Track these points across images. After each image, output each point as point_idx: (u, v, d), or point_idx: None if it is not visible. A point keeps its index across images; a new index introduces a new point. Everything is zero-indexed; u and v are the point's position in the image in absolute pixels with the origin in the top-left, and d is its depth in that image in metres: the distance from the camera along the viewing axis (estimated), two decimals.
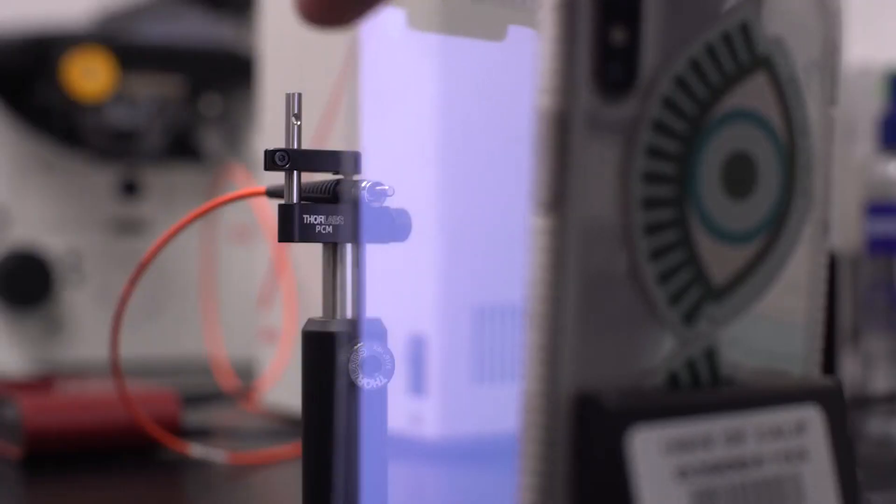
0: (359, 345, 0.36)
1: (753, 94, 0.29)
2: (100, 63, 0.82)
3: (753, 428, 0.28)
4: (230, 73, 0.89)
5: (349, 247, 0.37)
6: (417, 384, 0.54)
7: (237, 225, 0.85)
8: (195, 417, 0.59)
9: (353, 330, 0.36)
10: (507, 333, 0.55)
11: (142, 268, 0.41)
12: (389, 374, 0.36)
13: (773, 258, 0.30)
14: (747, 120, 0.29)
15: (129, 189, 0.89)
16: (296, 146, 0.36)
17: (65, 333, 0.87)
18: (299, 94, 0.36)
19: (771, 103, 0.29)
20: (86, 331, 0.88)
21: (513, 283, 0.55)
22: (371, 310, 0.38)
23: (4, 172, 0.86)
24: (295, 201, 0.36)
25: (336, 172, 0.37)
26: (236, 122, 0.91)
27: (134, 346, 0.83)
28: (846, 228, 0.72)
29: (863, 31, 0.68)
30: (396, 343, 0.54)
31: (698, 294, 0.28)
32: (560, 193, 0.25)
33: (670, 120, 0.27)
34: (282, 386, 0.63)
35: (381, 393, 0.37)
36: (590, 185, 0.26)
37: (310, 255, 0.61)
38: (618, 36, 0.26)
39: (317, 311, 0.37)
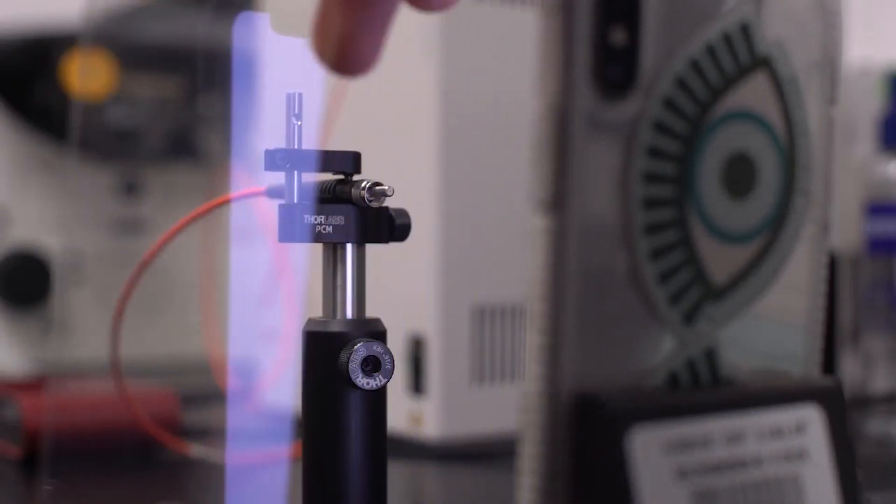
0: (358, 345, 0.36)
1: (753, 94, 0.29)
2: (100, 63, 0.82)
3: (753, 428, 0.28)
4: (230, 73, 0.89)
5: (349, 247, 0.37)
6: (417, 384, 0.54)
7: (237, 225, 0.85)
8: (195, 417, 0.59)
9: (353, 330, 0.36)
10: (506, 333, 0.55)
11: (142, 268, 0.41)
12: (389, 374, 0.36)
13: (773, 258, 0.30)
14: (747, 120, 0.29)
15: (129, 189, 0.89)
16: (296, 146, 0.36)
17: (65, 333, 0.87)
18: (299, 94, 0.36)
19: (771, 103, 0.29)
20: (86, 331, 0.88)
21: (513, 282, 0.56)
22: (371, 310, 0.38)
23: (4, 172, 0.86)
24: (295, 201, 0.36)
25: (336, 172, 0.37)
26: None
27: (134, 346, 0.83)
28: (846, 228, 0.72)
29: (863, 31, 0.68)
30: (396, 343, 0.54)
31: (698, 294, 0.28)
32: (560, 193, 0.25)
33: (670, 120, 0.27)
34: (282, 386, 0.63)
35: (381, 393, 0.37)
36: (590, 185, 0.26)
37: (310, 255, 0.61)
38: (618, 36, 0.26)
39: (317, 311, 0.37)
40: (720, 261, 0.29)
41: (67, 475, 0.49)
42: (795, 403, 0.29)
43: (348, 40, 0.31)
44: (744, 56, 0.29)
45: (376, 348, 0.36)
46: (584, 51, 0.26)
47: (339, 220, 0.37)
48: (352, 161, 0.37)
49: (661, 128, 0.27)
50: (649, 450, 0.26)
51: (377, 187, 0.36)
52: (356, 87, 0.58)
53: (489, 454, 0.52)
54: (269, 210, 0.65)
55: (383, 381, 0.36)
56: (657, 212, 0.27)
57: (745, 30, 0.29)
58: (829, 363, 0.32)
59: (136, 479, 0.50)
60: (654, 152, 0.27)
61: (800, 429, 0.29)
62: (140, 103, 0.85)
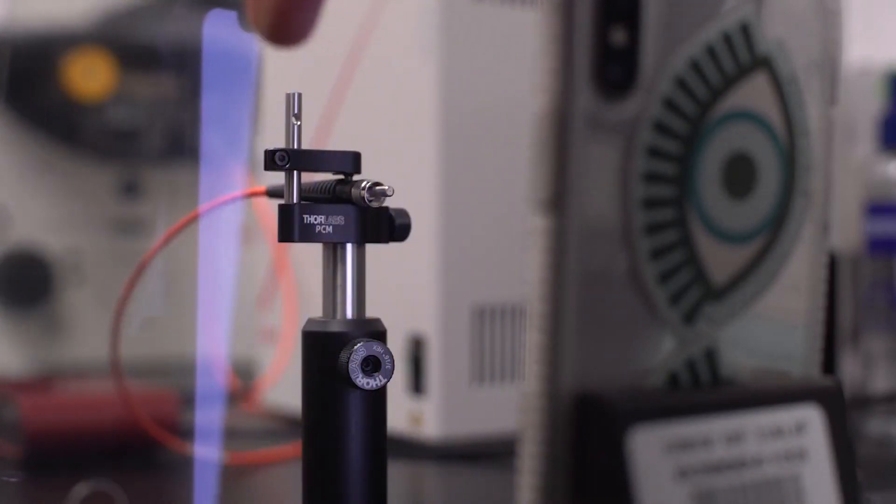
0: (358, 345, 0.36)
1: (753, 94, 0.29)
2: (100, 63, 0.82)
3: (753, 428, 0.28)
4: (230, 73, 0.89)
5: (349, 247, 0.37)
6: (417, 384, 0.54)
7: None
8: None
9: (353, 330, 0.36)
10: (506, 333, 0.55)
11: (142, 268, 0.41)
12: (389, 374, 0.36)
13: (773, 258, 0.30)
14: (747, 120, 0.29)
15: (129, 189, 0.89)
16: (296, 146, 0.36)
17: (65, 333, 0.87)
18: (299, 94, 0.36)
19: (771, 103, 0.29)
20: (86, 331, 0.88)
21: (513, 282, 0.56)
22: (371, 310, 0.38)
23: (4, 172, 0.86)
24: (295, 201, 0.36)
25: (336, 172, 0.37)
26: (236, 122, 0.91)
27: (134, 346, 0.83)
28: (846, 228, 0.72)
29: (863, 31, 0.68)
30: (396, 343, 0.54)
31: (698, 294, 0.28)
32: (560, 193, 0.25)
33: (670, 120, 0.27)
34: (282, 386, 0.63)
35: (381, 393, 0.37)
36: (590, 185, 0.26)
37: (310, 255, 0.61)
38: (618, 36, 0.26)
39: (317, 311, 0.37)
40: (720, 261, 0.29)
41: (67, 475, 0.49)
42: (795, 403, 0.29)
43: (283, 9, 0.31)
44: (744, 56, 0.29)
45: (376, 348, 0.36)
46: (584, 51, 0.26)
47: (339, 220, 0.36)
48: (352, 161, 0.37)
49: (661, 128, 0.27)
50: (649, 450, 0.26)
51: (377, 187, 0.36)
52: (356, 87, 0.58)
53: (489, 454, 0.52)
54: (268, 210, 0.65)
55: (383, 381, 0.36)
56: (657, 212, 0.27)
57: (745, 30, 0.29)
58: (829, 363, 0.32)
59: (136, 479, 0.50)
60: (654, 152, 0.27)
61: (800, 429, 0.29)
62: (140, 103, 0.85)
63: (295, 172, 0.36)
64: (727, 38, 0.28)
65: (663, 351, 0.28)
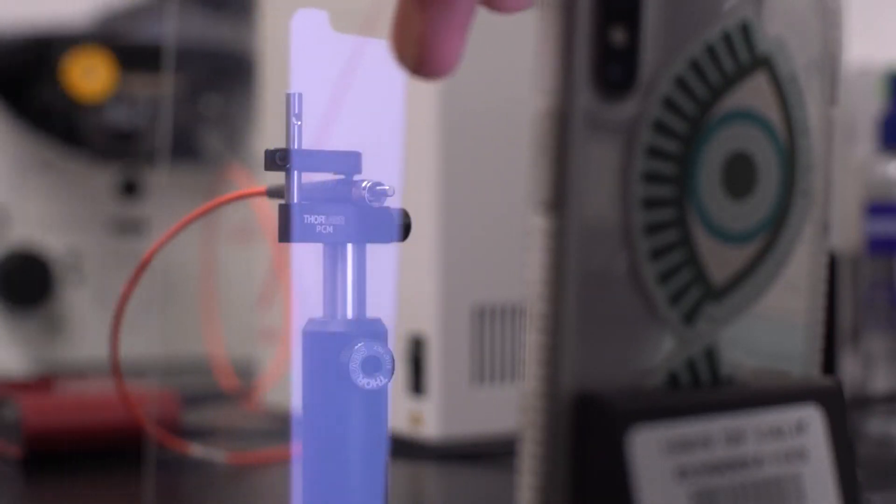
0: (359, 345, 0.36)
1: (753, 94, 0.29)
2: (100, 63, 0.82)
3: (753, 428, 0.28)
4: (230, 73, 0.89)
5: (349, 247, 0.37)
6: (417, 384, 0.54)
7: (237, 225, 0.85)
8: (195, 417, 0.59)
9: (353, 330, 0.36)
10: (506, 333, 0.55)
11: (142, 267, 0.41)
12: (389, 374, 0.36)
13: (773, 258, 0.30)
14: (747, 120, 0.29)
15: (129, 189, 0.89)
16: (296, 146, 0.36)
17: (65, 333, 0.87)
18: (299, 94, 0.36)
19: (771, 103, 0.29)
20: (86, 331, 0.88)
21: (513, 282, 0.56)
22: (371, 310, 0.38)
23: (4, 172, 0.86)
24: (295, 201, 0.36)
25: (336, 172, 0.37)
26: (236, 122, 0.91)
27: (134, 346, 0.83)
28: (846, 228, 0.72)
29: (863, 31, 0.68)
30: (396, 343, 0.54)
31: (698, 294, 0.28)
32: (560, 193, 0.25)
33: (670, 120, 0.27)
34: (282, 386, 0.63)
35: (381, 393, 0.37)
36: (590, 185, 0.26)
37: (310, 255, 0.61)
38: (618, 36, 0.26)
39: (317, 310, 0.37)
40: (720, 261, 0.29)
41: (68, 475, 0.50)
42: (795, 403, 0.29)
43: (429, 42, 0.31)
44: (744, 56, 0.29)
45: (376, 348, 0.36)
46: (584, 51, 0.26)
47: (339, 220, 0.37)
48: (352, 161, 0.37)
49: (661, 128, 0.27)
50: (649, 450, 0.26)
51: (378, 187, 0.36)
52: (356, 87, 0.58)
53: (489, 454, 0.52)
54: (268, 210, 0.65)
55: (383, 381, 0.36)
56: (657, 212, 0.27)
57: (745, 30, 0.29)
58: (829, 363, 0.32)
59: (136, 479, 0.50)
60: (654, 152, 0.27)
61: (800, 429, 0.29)
62: (140, 103, 0.85)
63: (295, 172, 0.36)
64: (727, 38, 0.28)
65: (663, 351, 0.28)
